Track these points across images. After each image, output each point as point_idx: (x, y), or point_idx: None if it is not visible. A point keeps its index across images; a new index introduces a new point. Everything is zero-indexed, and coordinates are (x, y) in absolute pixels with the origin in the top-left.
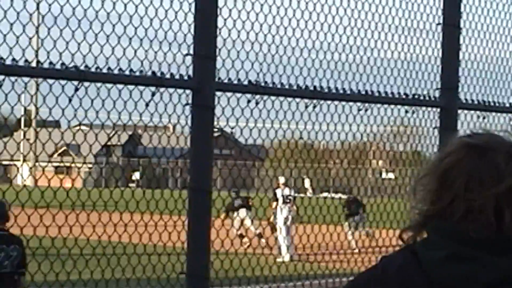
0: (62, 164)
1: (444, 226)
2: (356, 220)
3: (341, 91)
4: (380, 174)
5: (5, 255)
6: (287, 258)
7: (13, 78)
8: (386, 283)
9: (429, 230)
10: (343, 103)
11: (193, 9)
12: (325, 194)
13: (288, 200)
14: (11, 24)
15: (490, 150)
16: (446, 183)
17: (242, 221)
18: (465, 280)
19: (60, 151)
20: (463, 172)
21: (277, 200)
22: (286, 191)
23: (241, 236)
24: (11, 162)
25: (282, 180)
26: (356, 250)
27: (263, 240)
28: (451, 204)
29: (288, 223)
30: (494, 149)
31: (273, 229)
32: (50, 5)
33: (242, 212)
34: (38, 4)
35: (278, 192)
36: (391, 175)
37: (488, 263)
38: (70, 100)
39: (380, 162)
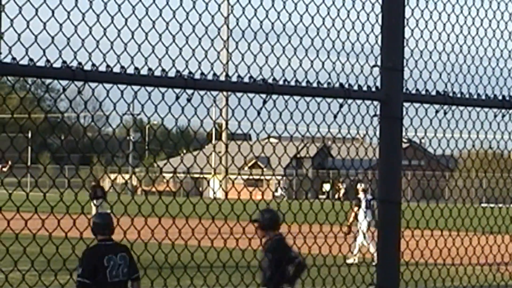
0: (252, 177)
1: None
2: None
3: None
4: None
5: (113, 264)
6: (351, 260)
7: (202, 92)
8: None
9: None
10: None
11: (380, 21)
12: None
13: (370, 206)
14: (200, 39)
15: None
16: None
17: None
18: None
19: (250, 164)
20: None
21: (359, 206)
22: (369, 196)
23: None
24: (201, 175)
25: (362, 186)
26: None
27: None
28: None
29: (372, 228)
30: None
31: (349, 232)
32: (237, 19)
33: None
34: (226, 19)
35: (362, 197)
36: None
37: None
38: (258, 113)
39: None
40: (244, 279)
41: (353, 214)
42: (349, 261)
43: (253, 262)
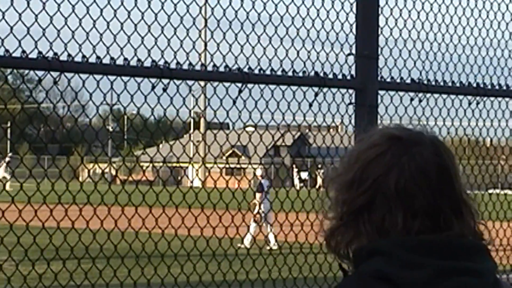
0: (228, 166)
1: (408, 240)
2: None
3: (505, 88)
4: None
5: None
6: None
7: (178, 82)
8: None
9: (389, 247)
10: (507, 99)
11: (354, 9)
12: (491, 191)
13: (267, 191)
14: (175, 28)
15: (416, 144)
16: (363, 178)
17: None
18: None
19: (228, 153)
20: (388, 169)
21: (262, 191)
22: (266, 182)
23: None
24: (178, 165)
25: (259, 172)
26: None
27: None
28: (385, 216)
29: (268, 213)
30: (420, 143)
31: (255, 220)
32: (213, 8)
33: None
34: (201, 8)
35: (264, 183)
36: None
37: (479, 272)
38: (234, 102)
39: None
40: (221, 268)
41: (256, 201)
42: (274, 247)
43: (230, 250)
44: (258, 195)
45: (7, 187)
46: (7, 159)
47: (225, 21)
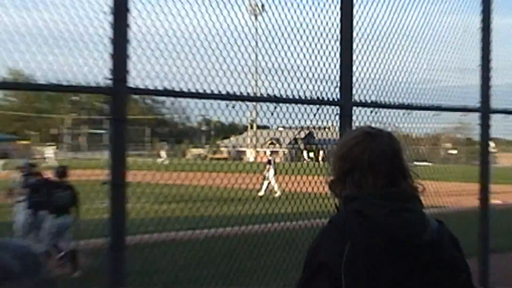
0: (268, 150)
1: (374, 192)
2: None
3: (423, 104)
4: (447, 150)
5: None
6: (279, 193)
7: (241, 103)
8: (354, 237)
9: (363, 195)
10: (424, 112)
11: (339, 59)
12: (415, 163)
13: (274, 164)
14: (238, 73)
15: (379, 136)
16: (349, 158)
17: None
18: (406, 223)
19: (268, 143)
20: (363, 151)
21: (270, 163)
22: (271, 159)
23: None
24: (241, 149)
25: (268, 153)
26: None
27: None
28: (361, 177)
29: (272, 177)
30: (381, 135)
31: (265, 179)
32: (259, 62)
33: None
34: (253, 62)
35: (271, 159)
36: (454, 151)
37: (414, 210)
38: (271, 114)
39: (448, 144)
40: (265, 206)
41: (266, 170)
42: (276, 194)
43: (270, 197)
44: (267, 166)
45: (165, 163)
46: (164, 150)
47: (266, 69)
